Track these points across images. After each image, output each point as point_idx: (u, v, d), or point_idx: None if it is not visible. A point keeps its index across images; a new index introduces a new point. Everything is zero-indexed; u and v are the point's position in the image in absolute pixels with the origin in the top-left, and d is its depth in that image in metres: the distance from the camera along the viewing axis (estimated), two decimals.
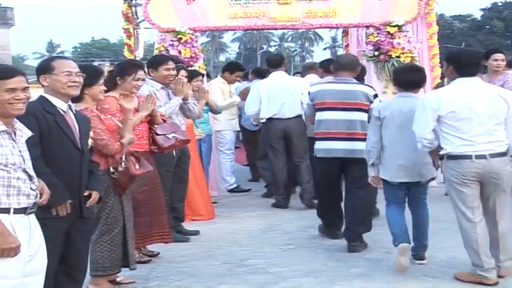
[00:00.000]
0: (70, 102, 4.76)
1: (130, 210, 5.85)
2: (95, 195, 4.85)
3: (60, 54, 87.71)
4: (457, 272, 5.97)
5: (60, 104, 4.66)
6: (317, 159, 7.42)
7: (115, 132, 5.66)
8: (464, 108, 5.58)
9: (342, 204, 7.44)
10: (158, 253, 6.90)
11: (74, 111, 4.78)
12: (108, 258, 5.70)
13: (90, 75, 5.33)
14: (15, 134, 3.89)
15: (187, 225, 8.08)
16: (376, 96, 7.27)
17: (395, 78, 6.65)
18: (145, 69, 6.75)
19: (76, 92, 4.76)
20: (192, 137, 8.56)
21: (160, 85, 7.24)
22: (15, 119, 3.95)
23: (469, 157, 5.54)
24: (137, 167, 5.68)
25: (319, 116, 7.32)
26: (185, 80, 7.96)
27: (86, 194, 4.75)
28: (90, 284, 5.72)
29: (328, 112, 7.22)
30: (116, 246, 5.72)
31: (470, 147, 5.55)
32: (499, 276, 5.73)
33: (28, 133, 4.01)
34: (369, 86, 7.60)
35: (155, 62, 7.41)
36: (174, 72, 7.31)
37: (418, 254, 6.41)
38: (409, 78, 6.38)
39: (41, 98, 4.64)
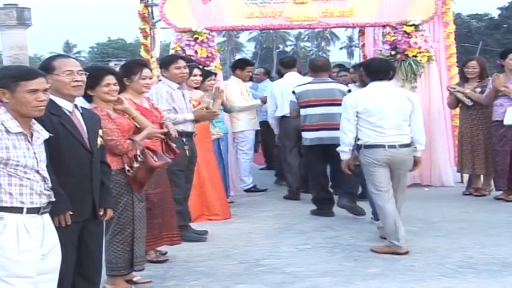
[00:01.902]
0: (76, 102, 4.68)
1: (141, 211, 5.81)
2: (110, 213, 4.87)
3: (77, 55, 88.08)
4: (373, 244, 6.99)
5: (65, 105, 4.56)
6: (305, 147, 8.96)
7: (128, 131, 5.65)
8: (376, 106, 6.77)
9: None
10: (166, 252, 6.89)
11: (80, 110, 4.69)
12: (122, 258, 5.71)
13: (91, 76, 5.31)
14: (32, 135, 3.92)
15: (204, 225, 8.11)
16: (349, 91, 8.18)
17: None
18: (151, 68, 6.74)
19: (80, 92, 4.66)
20: (208, 136, 8.57)
21: (177, 85, 7.26)
22: (33, 120, 3.97)
23: (382, 146, 6.74)
24: (155, 159, 5.68)
25: (305, 111, 8.80)
26: (200, 78, 8.00)
27: (100, 213, 4.74)
28: (107, 283, 5.75)
29: (312, 108, 8.71)
30: (128, 246, 5.72)
31: (383, 138, 6.73)
32: (401, 253, 6.67)
33: (45, 135, 4.02)
34: (341, 83, 9.13)
35: (165, 61, 7.46)
36: (185, 71, 7.33)
37: None
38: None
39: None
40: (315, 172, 8.99)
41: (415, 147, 6.92)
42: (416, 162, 7.03)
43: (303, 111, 8.87)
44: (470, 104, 9.67)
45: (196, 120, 7.47)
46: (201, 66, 8.95)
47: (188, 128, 7.30)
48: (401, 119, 6.81)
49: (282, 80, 10.40)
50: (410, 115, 6.85)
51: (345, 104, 6.94)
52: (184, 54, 9.87)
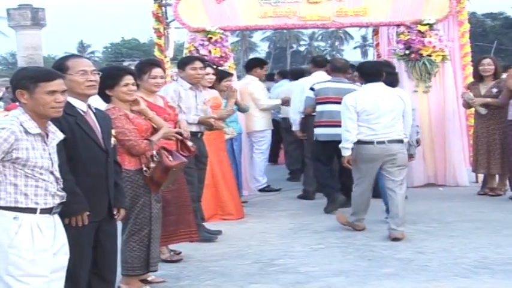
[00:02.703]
0: (89, 102, 4.68)
1: (157, 212, 5.82)
2: (123, 213, 4.90)
3: (91, 55, 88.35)
4: (338, 214, 7.99)
5: (80, 105, 4.57)
6: (318, 142, 9.16)
7: (146, 131, 5.66)
8: (373, 106, 7.35)
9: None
10: (180, 252, 6.90)
11: (93, 110, 4.70)
12: (138, 258, 5.71)
13: (110, 76, 5.31)
14: (47, 136, 3.93)
15: (218, 225, 8.11)
16: None
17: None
18: (163, 67, 6.76)
19: (94, 92, 4.66)
20: (221, 136, 8.56)
21: (189, 85, 7.27)
22: (49, 121, 3.98)
23: (371, 143, 7.35)
24: (171, 159, 5.68)
25: (322, 108, 9.09)
26: (213, 77, 8.01)
27: (114, 212, 4.76)
28: (121, 283, 5.76)
29: (331, 105, 8.91)
30: (145, 246, 5.72)
31: (374, 136, 7.33)
32: (396, 239, 7.24)
33: (60, 136, 4.04)
34: (355, 84, 9.12)
35: (182, 62, 7.52)
36: (201, 72, 7.36)
37: None
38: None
39: None
40: (325, 166, 9.21)
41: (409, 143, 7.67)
42: (411, 156, 7.86)
43: (320, 108, 9.13)
44: (484, 112, 9.60)
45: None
46: (214, 66, 8.96)
47: (192, 128, 7.27)
48: (395, 117, 7.40)
49: (311, 78, 10.08)
50: (403, 113, 7.46)
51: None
52: (198, 54, 9.90)
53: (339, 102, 8.28)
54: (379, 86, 7.51)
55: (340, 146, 7.57)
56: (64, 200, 4.02)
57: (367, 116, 7.36)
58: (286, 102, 10.66)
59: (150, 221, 5.71)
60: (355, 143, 7.40)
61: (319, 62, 10.61)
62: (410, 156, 8.38)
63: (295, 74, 12.16)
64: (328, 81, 9.30)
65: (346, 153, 7.51)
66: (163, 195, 6.04)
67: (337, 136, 8.07)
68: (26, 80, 3.88)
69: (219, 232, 7.78)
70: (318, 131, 9.18)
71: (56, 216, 4.00)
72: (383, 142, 7.33)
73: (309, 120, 9.60)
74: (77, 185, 4.23)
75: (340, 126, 8.26)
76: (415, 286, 5.76)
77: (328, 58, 16.86)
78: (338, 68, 9.35)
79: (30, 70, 4.05)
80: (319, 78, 9.80)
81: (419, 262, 6.43)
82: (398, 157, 7.39)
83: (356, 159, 7.50)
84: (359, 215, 7.72)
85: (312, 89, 9.26)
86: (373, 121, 7.34)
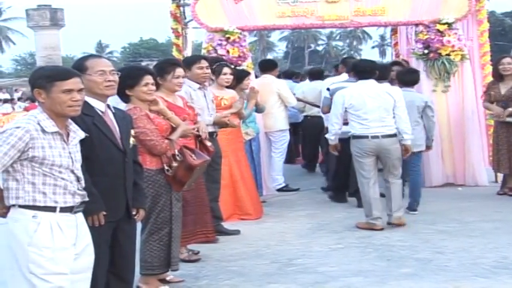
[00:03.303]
0: (108, 102, 4.68)
1: (178, 211, 5.84)
2: (142, 213, 4.89)
3: (109, 55, 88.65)
4: (357, 221, 8.04)
5: (98, 105, 4.57)
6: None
7: (166, 131, 5.68)
8: (360, 102, 7.80)
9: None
10: (198, 252, 6.91)
11: (112, 110, 4.70)
12: (157, 257, 5.73)
13: (130, 76, 5.31)
14: (68, 135, 3.95)
15: (236, 224, 8.13)
16: None
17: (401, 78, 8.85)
18: (183, 67, 6.74)
19: (112, 92, 4.66)
20: (240, 136, 8.56)
21: (198, 85, 7.26)
22: (70, 120, 4.00)
23: (366, 137, 7.77)
24: (194, 157, 5.69)
25: None
26: (230, 77, 8.00)
27: (133, 212, 4.76)
28: (140, 282, 5.77)
29: None
30: (164, 245, 5.74)
31: (367, 130, 7.75)
32: (392, 223, 7.88)
33: (81, 134, 4.06)
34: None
35: (188, 61, 7.41)
36: (208, 71, 7.31)
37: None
38: (408, 78, 8.81)
39: None
40: (341, 162, 9.28)
41: (402, 137, 7.83)
42: (406, 150, 7.93)
43: None
44: None
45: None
46: (232, 66, 8.96)
47: (208, 128, 7.25)
48: (384, 113, 7.78)
49: (339, 78, 10.26)
50: (393, 109, 7.81)
51: (334, 101, 8.14)
52: (216, 54, 9.91)
53: None
54: (368, 83, 7.92)
55: (326, 136, 8.34)
56: (86, 199, 4.03)
57: (355, 111, 7.82)
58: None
59: (171, 220, 5.73)
60: (353, 138, 7.90)
61: (349, 63, 10.50)
62: (428, 148, 8.87)
63: (313, 74, 12.34)
64: (343, 81, 9.40)
65: (331, 142, 8.21)
66: (183, 194, 6.05)
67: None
68: (43, 79, 3.90)
69: (237, 232, 7.79)
70: None
71: (79, 216, 4.01)
72: (377, 137, 7.75)
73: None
74: (94, 185, 4.23)
75: None
76: (434, 286, 5.74)
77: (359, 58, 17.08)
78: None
79: (47, 69, 4.07)
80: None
81: (439, 262, 6.40)
82: (393, 151, 7.83)
83: (354, 153, 7.92)
84: (373, 214, 7.84)
85: (328, 89, 9.37)
86: (363, 116, 7.79)
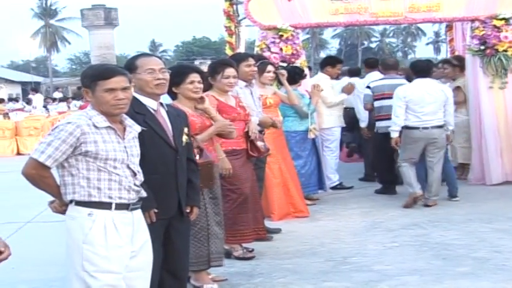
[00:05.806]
0: (161, 100, 4.69)
1: (213, 208, 5.78)
2: (196, 211, 4.87)
3: (163, 53, 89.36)
4: (403, 203, 9.04)
5: (150, 103, 4.59)
6: (379, 134, 9.99)
7: (200, 130, 5.63)
8: (420, 97, 8.80)
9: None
10: (253, 249, 6.92)
11: (165, 107, 4.70)
12: (193, 253, 5.58)
13: (176, 74, 5.32)
14: (124, 130, 3.98)
15: (291, 222, 8.16)
16: None
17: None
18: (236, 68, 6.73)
19: (162, 90, 4.67)
20: (281, 133, 8.48)
21: (244, 83, 7.26)
22: (125, 116, 4.03)
23: (417, 128, 8.82)
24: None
25: (380, 103, 10.01)
26: (273, 75, 8.04)
27: (187, 210, 4.75)
28: (192, 280, 5.77)
29: (387, 100, 9.70)
30: (199, 242, 5.68)
31: (420, 122, 8.80)
32: (428, 205, 8.93)
33: (137, 129, 4.08)
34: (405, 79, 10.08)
35: (235, 59, 7.34)
36: (255, 69, 7.35)
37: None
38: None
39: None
40: (386, 156, 9.95)
41: (447, 128, 8.95)
42: (448, 138, 9.07)
43: (378, 103, 10.06)
44: None
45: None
46: (285, 64, 9.00)
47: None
48: (437, 107, 8.84)
49: (366, 79, 11.26)
50: (444, 104, 8.86)
51: (397, 94, 8.93)
52: (269, 52, 9.93)
53: (392, 98, 9.26)
54: (426, 81, 8.92)
55: (389, 129, 9.08)
56: (143, 195, 4.05)
57: (413, 105, 8.80)
58: (348, 90, 10.83)
59: (207, 217, 5.70)
60: (403, 128, 8.88)
61: (371, 63, 12.00)
62: (448, 137, 9.35)
63: (352, 72, 13.26)
64: (382, 79, 10.29)
65: (394, 135, 9.00)
66: (243, 190, 6.06)
67: None
68: (87, 79, 3.95)
69: (278, 230, 7.80)
70: (378, 124, 10.07)
71: (136, 213, 4.02)
72: (427, 128, 8.82)
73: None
74: (145, 182, 4.19)
75: None
76: (492, 286, 5.65)
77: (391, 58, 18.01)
78: (390, 66, 10.39)
79: (92, 68, 4.12)
80: (374, 77, 10.87)
81: (496, 261, 6.31)
82: (439, 140, 8.91)
83: (404, 141, 8.94)
84: (413, 186, 8.95)
85: (368, 87, 10.28)
86: (419, 110, 8.78)
